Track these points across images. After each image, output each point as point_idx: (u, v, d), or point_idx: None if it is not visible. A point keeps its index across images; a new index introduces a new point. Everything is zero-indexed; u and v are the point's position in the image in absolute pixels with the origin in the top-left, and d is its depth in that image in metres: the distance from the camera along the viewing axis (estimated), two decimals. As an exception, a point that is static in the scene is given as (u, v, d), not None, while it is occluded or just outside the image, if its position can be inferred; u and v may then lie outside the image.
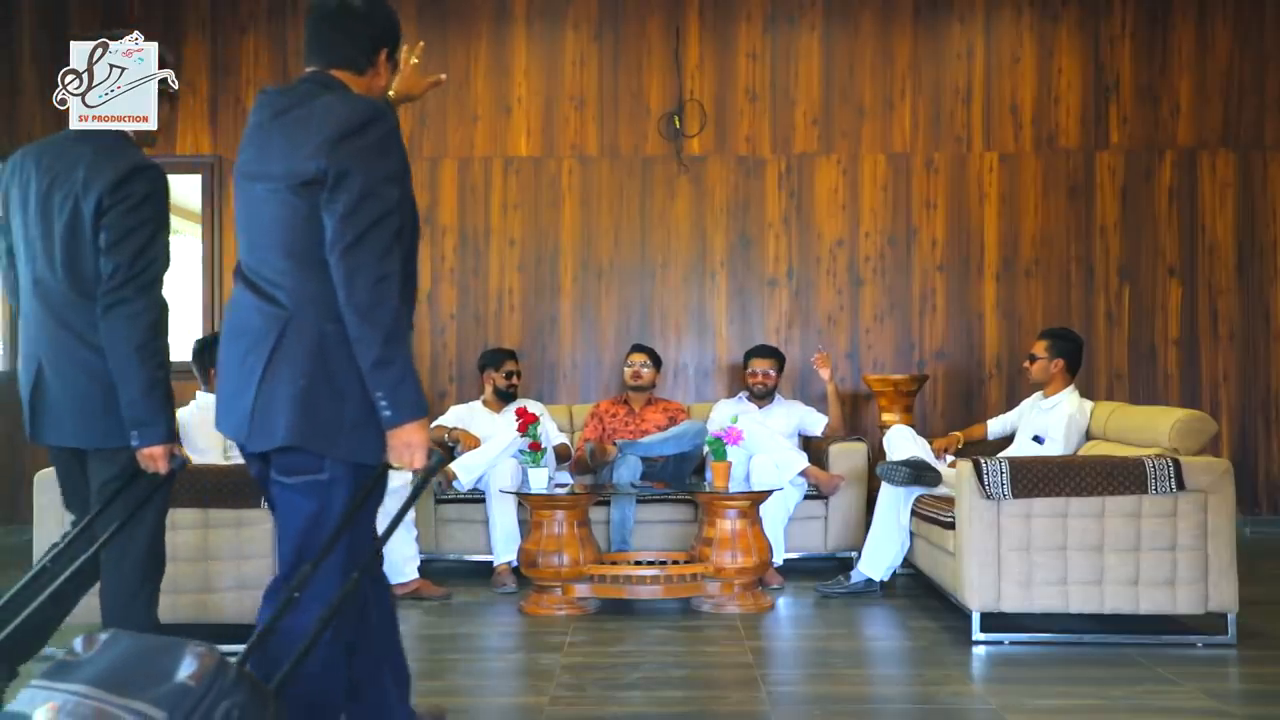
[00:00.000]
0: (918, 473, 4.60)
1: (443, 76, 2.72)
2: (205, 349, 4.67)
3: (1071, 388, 4.80)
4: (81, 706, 1.73)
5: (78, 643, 1.84)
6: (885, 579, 4.84)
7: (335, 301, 2.14)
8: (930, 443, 5.06)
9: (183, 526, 3.79)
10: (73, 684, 1.77)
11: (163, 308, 2.59)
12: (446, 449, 5.47)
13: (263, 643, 2.04)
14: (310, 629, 2.06)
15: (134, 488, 2.62)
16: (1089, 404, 4.76)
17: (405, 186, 2.23)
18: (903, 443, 4.87)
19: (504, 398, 5.64)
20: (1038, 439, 4.69)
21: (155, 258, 2.57)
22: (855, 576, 4.82)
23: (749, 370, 5.73)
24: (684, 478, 5.34)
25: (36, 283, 2.64)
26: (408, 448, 2.16)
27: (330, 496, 2.21)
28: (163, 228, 2.61)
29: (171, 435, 2.57)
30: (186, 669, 1.78)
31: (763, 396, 5.70)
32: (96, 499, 2.65)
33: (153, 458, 2.55)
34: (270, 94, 2.34)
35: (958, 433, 5.29)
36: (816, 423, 5.67)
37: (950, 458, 5.01)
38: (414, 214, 2.33)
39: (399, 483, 4.65)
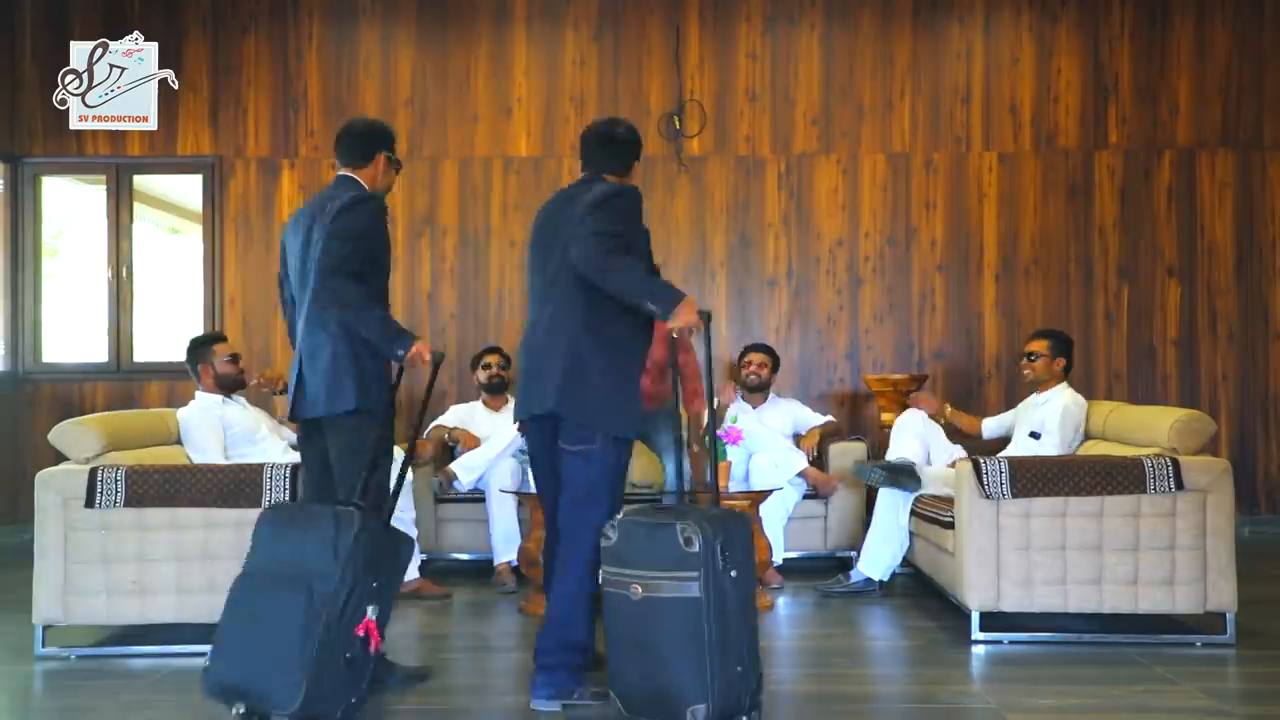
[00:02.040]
0: (894, 476, 4.61)
1: None
2: (198, 348, 4.80)
3: (1065, 384, 4.82)
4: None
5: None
6: (885, 579, 4.84)
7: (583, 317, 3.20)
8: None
9: (185, 527, 3.80)
10: None
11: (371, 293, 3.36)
12: (446, 449, 5.48)
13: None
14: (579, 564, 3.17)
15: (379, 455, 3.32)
16: (1083, 399, 4.78)
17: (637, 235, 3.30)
18: (904, 438, 4.85)
19: (495, 390, 5.65)
20: (1034, 435, 4.70)
21: (368, 258, 3.35)
22: (855, 576, 4.83)
23: (743, 362, 5.74)
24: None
25: (297, 302, 3.50)
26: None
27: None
28: (371, 240, 3.37)
29: (415, 336, 3.31)
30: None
31: (755, 390, 5.68)
32: (338, 463, 3.36)
33: (418, 355, 3.25)
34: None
35: (948, 405, 5.24)
36: (813, 422, 5.66)
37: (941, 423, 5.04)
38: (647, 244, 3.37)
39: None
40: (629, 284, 3.05)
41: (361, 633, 2.87)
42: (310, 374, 3.39)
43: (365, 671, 2.94)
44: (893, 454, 4.83)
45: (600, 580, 3.00)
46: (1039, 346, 4.88)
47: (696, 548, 2.80)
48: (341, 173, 3.52)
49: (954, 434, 5.10)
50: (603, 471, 3.19)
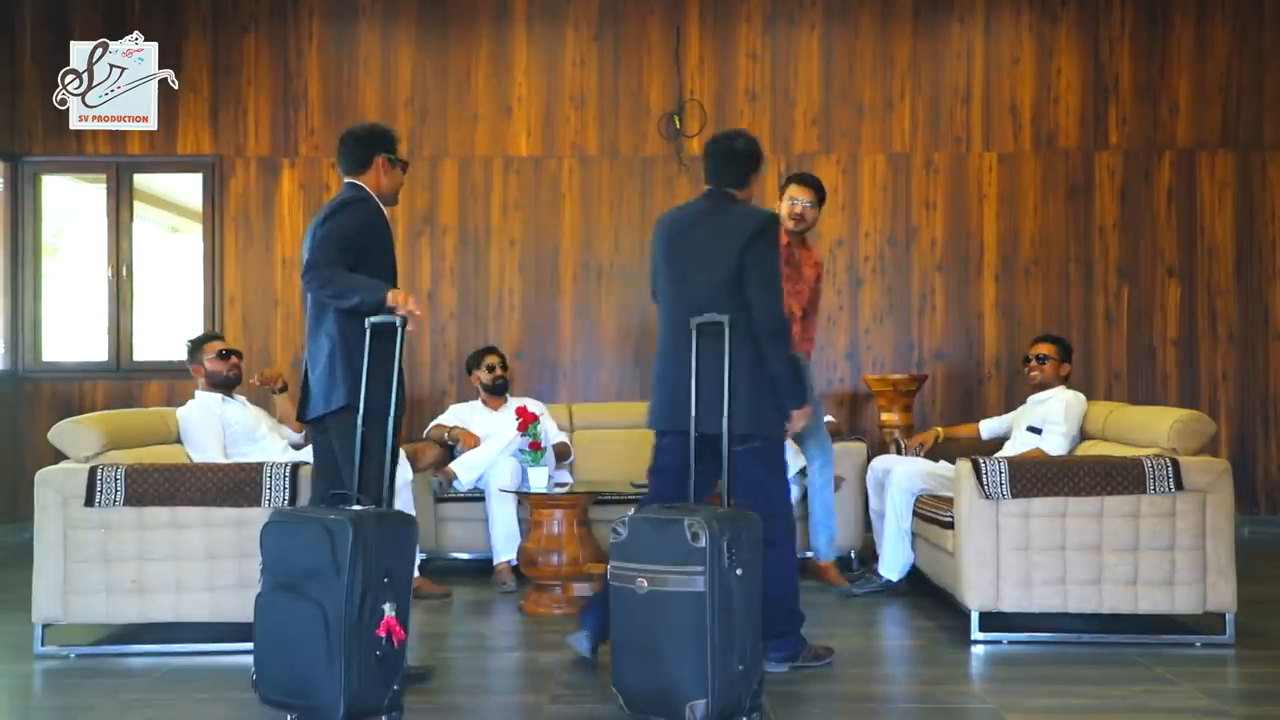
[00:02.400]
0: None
1: None
2: (191, 349, 4.87)
3: (1063, 386, 4.87)
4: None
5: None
6: (900, 578, 4.82)
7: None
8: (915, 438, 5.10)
9: (185, 526, 3.80)
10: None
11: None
12: (446, 448, 5.48)
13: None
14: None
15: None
16: (1083, 395, 4.86)
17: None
18: (892, 511, 4.77)
19: (497, 391, 5.64)
20: (1034, 429, 4.73)
21: (360, 257, 3.41)
22: (884, 578, 4.82)
23: None
24: None
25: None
26: None
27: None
28: (360, 239, 3.43)
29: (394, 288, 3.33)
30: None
31: None
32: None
33: (407, 306, 3.25)
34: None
35: (939, 428, 5.29)
36: (814, 423, 5.66)
37: (917, 453, 5.03)
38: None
39: (403, 480, 4.71)
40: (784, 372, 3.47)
41: (383, 633, 2.88)
42: (312, 376, 3.49)
43: (399, 661, 2.97)
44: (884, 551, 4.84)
45: (607, 575, 3.06)
46: (1049, 349, 4.90)
47: (703, 543, 2.85)
48: (345, 180, 3.61)
49: (954, 449, 5.06)
50: (769, 450, 3.57)
